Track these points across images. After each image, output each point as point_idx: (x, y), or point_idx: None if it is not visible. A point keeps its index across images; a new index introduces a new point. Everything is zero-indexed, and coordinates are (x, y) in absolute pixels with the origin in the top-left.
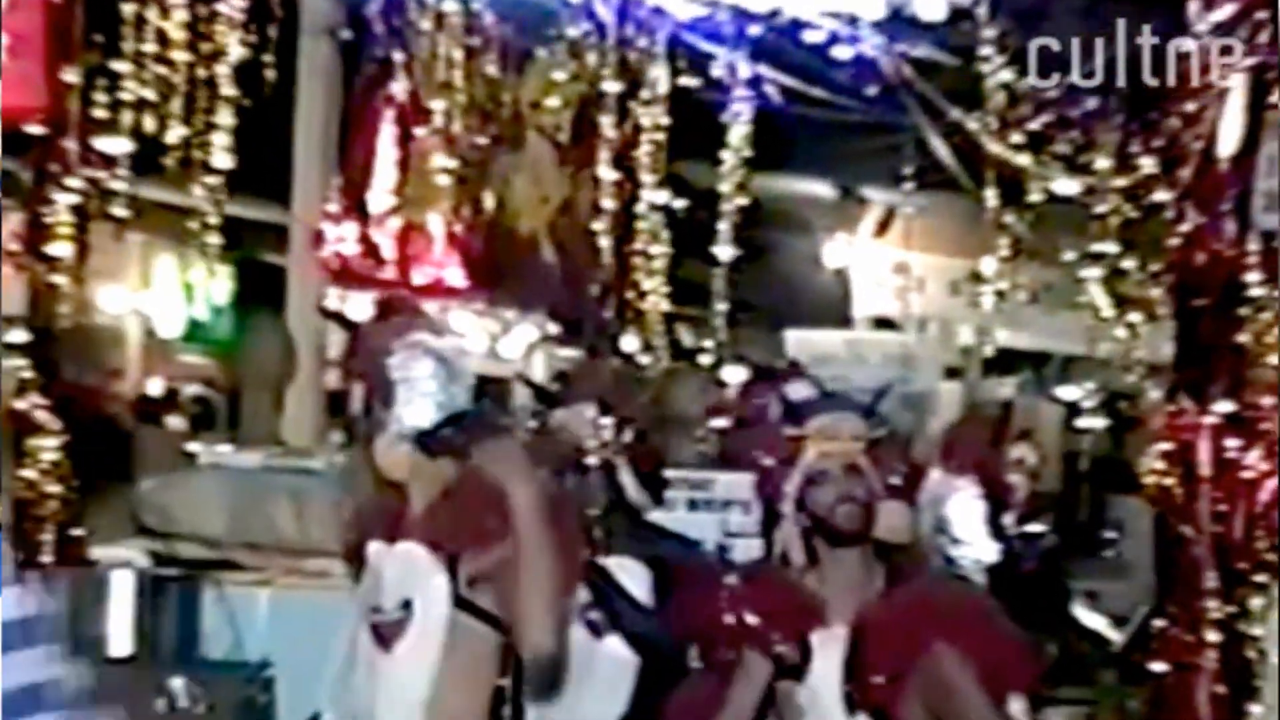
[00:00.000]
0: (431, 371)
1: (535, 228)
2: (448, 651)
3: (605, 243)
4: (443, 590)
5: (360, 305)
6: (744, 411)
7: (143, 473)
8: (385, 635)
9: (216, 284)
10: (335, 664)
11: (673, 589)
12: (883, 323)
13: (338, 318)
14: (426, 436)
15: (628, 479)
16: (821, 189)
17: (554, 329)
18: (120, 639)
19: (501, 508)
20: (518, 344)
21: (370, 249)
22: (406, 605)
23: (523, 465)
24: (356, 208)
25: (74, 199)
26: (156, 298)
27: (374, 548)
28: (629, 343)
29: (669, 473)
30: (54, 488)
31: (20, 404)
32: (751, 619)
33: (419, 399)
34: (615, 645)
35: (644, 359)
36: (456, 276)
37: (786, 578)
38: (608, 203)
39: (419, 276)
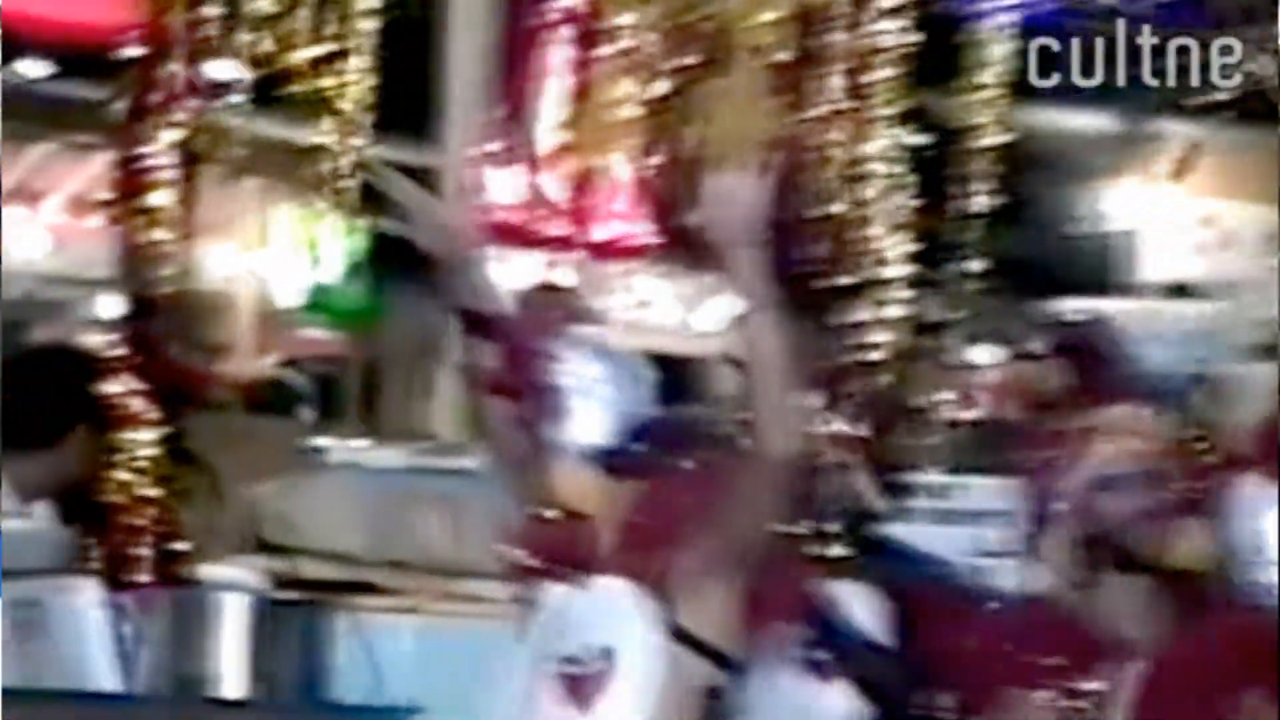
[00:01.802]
0: (606, 375)
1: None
2: (658, 707)
3: (829, 190)
4: (653, 629)
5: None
6: (998, 400)
7: (260, 474)
8: (583, 690)
9: (348, 242)
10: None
11: (917, 623)
12: (1179, 289)
13: (469, 319)
14: (612, 455)
15: (864, 484)
16: (1102, 122)
17: None
18: (232, 677)
19: (710, 493)
20: (719, 315)
21: (538, 199)
22: (607, 653)
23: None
24: (521, 148)
25: (177, 137)
26: (275, 258)
27: (555, 589)
28: (857, 314)
29: (908, 477)
30: (151, 491)
31: (111, 388)
32: (1033, 659)
33: (595, 410)
34: (843, 692)
35: (876, 335)
36: (644, 232)
37: (1069, 607)
38: (833, 140)
39: (598, 232)
